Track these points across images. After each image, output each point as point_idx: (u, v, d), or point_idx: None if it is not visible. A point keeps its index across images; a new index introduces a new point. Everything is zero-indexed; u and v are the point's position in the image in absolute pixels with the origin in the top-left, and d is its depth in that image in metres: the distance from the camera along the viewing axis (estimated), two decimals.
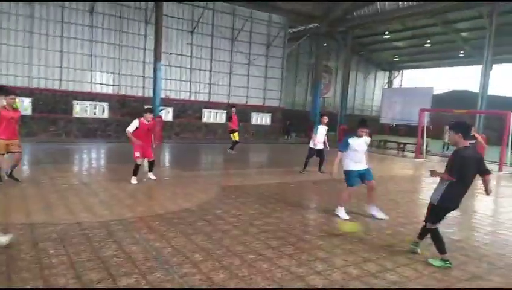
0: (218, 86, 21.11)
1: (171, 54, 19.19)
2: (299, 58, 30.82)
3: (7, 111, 6.63)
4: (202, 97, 20.60)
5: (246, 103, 21.89)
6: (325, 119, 10.06)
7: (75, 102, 17.41)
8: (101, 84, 17.97)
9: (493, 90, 19.07)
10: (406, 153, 17.87)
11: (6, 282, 3.14)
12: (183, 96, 19.98)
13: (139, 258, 3.79)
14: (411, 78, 38.47)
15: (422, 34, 28.38)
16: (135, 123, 7.53)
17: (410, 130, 25.70)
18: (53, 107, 16.77)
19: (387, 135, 29.50)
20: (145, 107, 9.00)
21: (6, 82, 15.63)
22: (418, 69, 37.63)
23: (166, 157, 13.26)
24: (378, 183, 8.41)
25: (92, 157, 11.92)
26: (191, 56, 20.00)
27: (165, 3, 17.38)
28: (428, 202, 4.32)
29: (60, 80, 16.88)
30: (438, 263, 4.08)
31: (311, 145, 10.04)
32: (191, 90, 20.22)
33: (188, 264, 3.73)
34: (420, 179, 11.23)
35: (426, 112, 16.31)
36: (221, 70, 21.05)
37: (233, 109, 13.43)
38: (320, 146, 9.96)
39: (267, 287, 3.37)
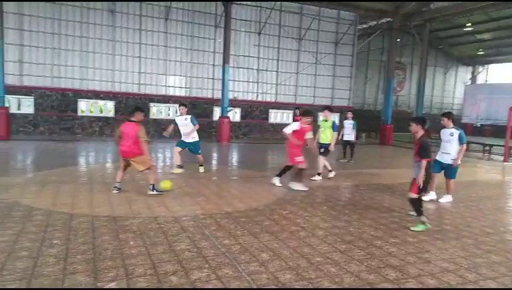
0: (285, 86, 21.14)
1: (239, 56, 19.68)
2: (370, 56, 29.61)
3: None
4: (269, 98, 20.80)
5: (313, 103, 21.61)
6: (349, 114, 12.55)
7: (151, 104, 18.70)
8: (174, 87, 19.08)
9: None
10: (492, 156, 16.20)
11: (93, 269, 3.46)
12: (250, 97, 20.37)
13: (210, 254, 3.93)
14: (498, 73, 34.77)
15: (509, 25, 25.49)
16: (294, 125, 7.45)
17: (497, 131, 23.23)
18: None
19: (470, 135, 27.00)
20: (301, 110, 10.32)
21: (93, 87, 17.37)
22: (506, 63, 33.86)
23: (234, 158, 13.60)
24: (460, 188, 7.74)
25: (166, 156, 12.68)
26: (258, 57, 20.31)
27: (234, 6, 17.87)
28: None
29: (139, 84, 18.25)
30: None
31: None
32: (258, 91, 20.54)
33: (255, 262, 3.78)
34: (509, 185, 10.10)
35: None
36: (288, 70, 21.05)
37: (297, 111, 13.49)
38: (346, 137, 12.20)
39: (272, 287, 3.28)
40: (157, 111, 19.09)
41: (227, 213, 5.52)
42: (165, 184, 6.67)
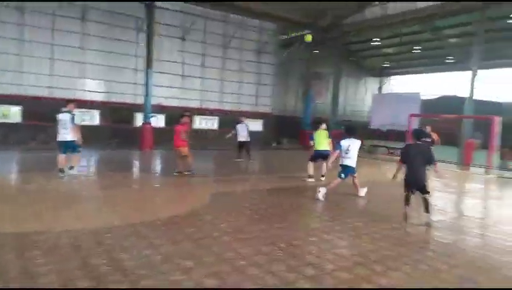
0: (210, 93, 21.14)
1: (162, 61, 19.20)
2: (291, 65, 30.98)
3: None
4: (194, 104, 20.59)
5: (238, 109, 21.94)
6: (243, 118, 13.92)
7: (64, 109, 17.25)
8: (91, 91, 17.88)
9: (481, 95, 19.38)
10: (395, 158, 18.00)
11: None
12: (175, 103, 19.96)
13: (129, 266, 3.76)
14: (402, 83, 38.89)
15: (411, 41, 28.74)
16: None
17: (401, 135, 25.92)
18: (42, 115, 16.61)
19: (378, 139, 29.67)
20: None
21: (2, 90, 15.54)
22: (407, 75, 38.08)
23: (157, 165, 13.19)
24: (371, 188, 8.48)
25: (82, 165, 11.80)
26: (182, 63, 20.03)
27: (157, 11, 17.42)
28: None
29: (50, 87, 16.75)
30: None
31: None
32: (182, 97, 20.22)
33: (178, 271, 3.71)
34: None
35: (414, 117, 16.49)
36: (213, 76, 21.10)
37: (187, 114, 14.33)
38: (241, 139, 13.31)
39: (274, 287, 3.37)
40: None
41: (148, 222, 5.33)
42: None
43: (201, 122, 21.13)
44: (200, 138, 20.12)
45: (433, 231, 5.70)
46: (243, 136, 13.27)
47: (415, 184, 6.02)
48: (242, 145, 13.36)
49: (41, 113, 16.55)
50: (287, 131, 25.14)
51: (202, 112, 20.91)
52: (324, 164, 9.50)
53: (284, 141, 23.71)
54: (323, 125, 9.79)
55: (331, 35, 23.08)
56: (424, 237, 5.49)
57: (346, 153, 7.53)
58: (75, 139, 8.49)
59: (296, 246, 4.63)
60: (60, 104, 16.87)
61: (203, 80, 20.83)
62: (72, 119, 8.41)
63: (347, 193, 8.16)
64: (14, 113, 16.32)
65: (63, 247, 4.20)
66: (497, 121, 13.47)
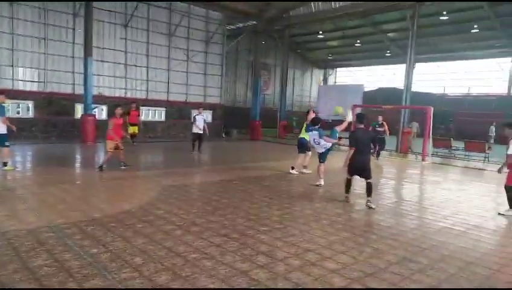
0: (157, 83, 20.46)
1: (103, 48, 18.20)
2: (239, 56, 30.94)
3: None
4: (139, 94, 19.82)
5: (186, 100, 21.52)
6: (201, 109, 14.07)
7: None
8: (24, 80, 16.49)
9: (416, 87, 20.78)
10: (342, 148, 18.81)
11: None
12: (118, 93, 19.07)
13: (74, 266, 3.56)
14: (345, 76, 40.52)
15: (353, 35, 30.00)
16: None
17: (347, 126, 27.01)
18: None
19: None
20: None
21: None
22: (350, 67, 39.74)
23: (101, 159, 12.57)
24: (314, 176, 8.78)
25: (16, 161, 10.90)
26: (125, 51, 19.13)
27: None
28: None
29: None
30: None
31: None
32: (126, 87, 19.37)
33: (128, 268, 3.60)
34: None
35: (357, 108, 17.30)
36: (159, 66, 20.43)
37: (133, 105, 15.08)
38: (197, 130, 13.25)
39: (281, 286, 3.37)
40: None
41: (94, 219, 5.08)
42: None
43: (148, 114, 20.45)
44: (148, 130, 19.50)
45: (375, 215, 6.06)
46: (199, 128, 13.15)
47: (362, 169, 6.37)
48: (198, 137, 13.26)
49: None
50: (236, 122, 25.18)
51: (148, 103, 20.22)
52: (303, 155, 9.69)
53: (233, 132, 23.74)
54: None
55: (276, 26, 23.33)
56: (367, 221, 5.82)
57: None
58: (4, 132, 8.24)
59: (248, 236, 4.68)
60: None
61: (149, 69, 20.09)
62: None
63: (298, 182, 8.40)
64: None
65: None
66: (431, 111, 14.53)
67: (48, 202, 5.95)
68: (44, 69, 16.83)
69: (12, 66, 16.04)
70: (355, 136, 6.48)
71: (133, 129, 14.42)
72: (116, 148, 9.09)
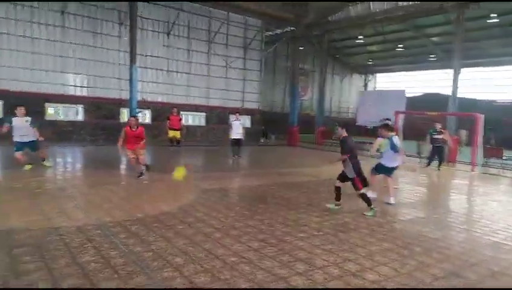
0: (196, 89, 20.98)
1: (146, 56, 18.94)
2: (276, 61, 31.06)
3: None
4: (180, 100, 20.40)
5: (225, 105, 21.87)
6: (237, 115, 13.94)
7: (47, 104, 16.89)
8: (74, 86, 17.52)
9: (463, 93, 19.81)
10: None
11: None
12: (161, 98, 19.75)
13: (119, 263, 3.71)
14: (386, 81, 39.42)
15: (394, 39, 29.18)
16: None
17: None
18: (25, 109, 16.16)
19: (364, 136, 30.09)
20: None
21: None
22: (391, 73, 38.61)
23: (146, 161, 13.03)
24: None
25: (67, 161, 11.57)
26: (167, 58, 19.80)
27: (140, 5, 17.14)
28: None
29: (31, 82, 16.31)
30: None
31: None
32: (168, 93, 20.02)
33: (169, 268, 3.69)
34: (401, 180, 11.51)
35: (400, 115, 16.75)
36: (199, 72, 20.94)
37: (174, 110, 14.86)
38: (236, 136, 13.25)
39: (266, 281, 3.38)
40: (55, 112, 17.33)
41: (138, 219, 5.28)
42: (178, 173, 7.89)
43: (188, 119, 20.98)
44: (188, 134, 20.00)
45: (420, 226, 5.82)
46: (237, 133, 13.17)
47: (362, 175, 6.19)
48: (236, 142, 13.26)
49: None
50: (274, 127, 25.22)
51: (189, 108, 20.75)
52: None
53: (271, 137, 23.78)
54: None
55: (315, 32, 23.20)
56: (411, 232, 5.60)
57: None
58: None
59: (286, 242, 4.65)
60: (44, 99, 16.61)
61: (189, 75, 20.65)
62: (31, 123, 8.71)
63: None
64: None
65: (51, 244, 4.12)
66: (481, 119, 13.75)
67: (95, 201, 6.25)
68: (93, 76, 17.80)
69: (63, 72, 17.10)
70: (352, 143, 6.20)
71: (173, 134, 14.36)
72: (135, 155, 8.49)
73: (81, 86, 17.66)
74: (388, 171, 7.33)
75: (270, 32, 26.28)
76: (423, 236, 5.33)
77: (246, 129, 13.99)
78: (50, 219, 5.06)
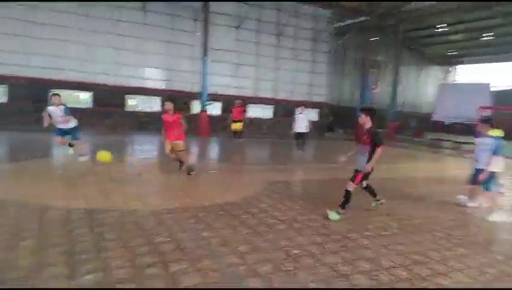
0: (264, 82, 21.22)
1: (217, 50, 19.57)
2: (347, 53, 30.07)
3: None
4: (248, 92, 20.81)
5: (292, 98, 21.82)
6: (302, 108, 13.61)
7: (127, 96, 18.35)
8: (151, 79, 18.78)
9: None
10: (463, 153, 16.88)
11: (69, 261, 3.40)
12: (230, 91, 20.32)
13: (189, 246, 3.94)
14: (468, 73, 36.09)
15: (479, 27, 26.50)
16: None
17: (467, 129, 24.17)
18: (109, 101, 17.78)
19: (440, 133, 27.99)
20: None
21: (67, 77, 16.81)
22: (475, 64, 35.18)
23: (214, 152, 13.57)
24: (431, 184, 8.01)
25: (144, 149, 12.49)
26: (237, 52, 20.27)
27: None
28: None
29: (115, 75, 17.83)
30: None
31: None
32: (237, 86, 20.53)
33: (234, 254, 3.82)
34: None
35: (485, 110, 15.27)
36: (267, 65, 21.13)
37: (237, 101, 14.64)
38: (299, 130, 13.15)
39: (329, 277, 3.38)
40: (135, 103, 18.79)
41: (205, 207, 5.53)
42: (103, 156, 7.23)
43: (255, 111, 21.34)
44: (255, 126, 20.39)
45: (503, 233, 5.30)
46: (301, 126, 13.04)
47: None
48: (300, 135, 13.14)
49: (107, 99, 17.75)
50: (342, 121, 24.58)
51: (257, 100, 21.07)
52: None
53: (338, 131, 23.23)
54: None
55: (389, 21, 21.98)
56: (492, 238, 5.12)
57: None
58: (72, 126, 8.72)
59: (350, 239, 4.54)
60: (125, 91, 18.05)
61: (258, 68, 20.93)
62: (65, 111, 8.52)
63: (410, 186, 7.84)
64: (85, 99, 17.70)
65: (128, 224, 4.51)
66: None
67: (167, 188, 6.68)
68: (168, 69, 18.90)
69: (142, 66, 18.41)
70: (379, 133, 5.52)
71: (235, 126, 14.25)
72: (175, 149, 7.84)
73: (157, 80, 18.86)
74: (490, 178, 6.03)
75: (341, 23, 25.51)
76: (506, 244, 4.85)
77: (312, 123, 13.78)
78: (126, 202, 5.52)
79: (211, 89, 18.80)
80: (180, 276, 3.29)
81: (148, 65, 18.58)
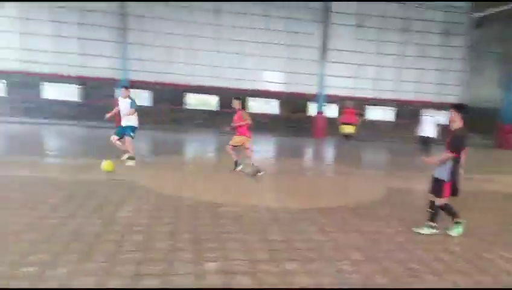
0: (386, 82, 20.05)
1: (336, 50, 19.27)
2: (486, 47, 26.20)
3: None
4: (368, 93, 19.97)
5: (417, 99, 20.11)
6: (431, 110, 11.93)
7: (248, 98, 19.51)
8: (271, 82, 19.56)
9: None
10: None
11: (196, 248, 3.81)
12: (347, 92, 19.80)
13: (301, 247, 4.01)
14: None
15: None
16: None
17: None
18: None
19: None
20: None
21: (199, 82, 18.70)
22: None
23: (330, 154, 13.45)
24: None
25: (267, 150, 13.15)
26: (356, 51, 19.62)
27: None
28: None
29: (239, 79, 19.13)
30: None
31: None
32: (356, 87, 19.89)
33: (347, 261, 3.74)
34: None
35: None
36: (388, 64, 19.92)
37: (349, 102, 13.90)
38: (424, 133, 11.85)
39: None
40: (255, 105, 19.87)
41: (320, 209, 5.53)
42: (106, 166, 7.01)
43: (375, 113, 20.35)
44: (375, 129, 19.44)
45: None
46: (427, 130, 11.89)
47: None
48: (424, 140, 11.97)
49: (231, 103, 19.16)
50: (479, 125, 21.52)
51: (376, 102, 20.07)
52: None
53: (475, 136, 20.43)
54: None
55: None
56: None
57: None
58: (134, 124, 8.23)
59: (484, 259, 3.99)
60: (248, 94, 19.24)
61: (379, 68, 19.89)
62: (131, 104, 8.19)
63: None
64: (212, 102, 19.48)
65: (247, 219, 4.82)
66: None
67: (284, 187, 6.89)
68: (287, 72, 19.43)
69: (263, 70, 19.33)
70: (465, 138, 4.59)
71: (347, 128, 13.72)
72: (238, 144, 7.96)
73: (277, 82, 19.57)
74: None
75: (479, 14, 22.37)
76: None
77: (441, 126, 12.38)
78: (246, 198, 5.89)
79: (329, 91, 18.63)
80: (291, 275, 3.38)
81: (268, 69, 19.43)
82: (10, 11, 17.12)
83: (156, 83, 18.53)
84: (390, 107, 20.32)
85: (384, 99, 20.08)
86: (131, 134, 8.06)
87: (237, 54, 18.99)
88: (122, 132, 8.08)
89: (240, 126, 7.88)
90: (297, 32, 19.16)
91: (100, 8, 17.53)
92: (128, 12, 17.36)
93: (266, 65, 19.34)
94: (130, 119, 8.10)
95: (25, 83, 17.42)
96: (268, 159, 10.92)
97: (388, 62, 19.93)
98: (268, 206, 5.51)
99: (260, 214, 5.11)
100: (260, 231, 4.42)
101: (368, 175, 8.98)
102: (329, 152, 13.83)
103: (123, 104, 8.15)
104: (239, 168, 7.95)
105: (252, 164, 7.83)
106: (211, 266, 3.45)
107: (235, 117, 7.97)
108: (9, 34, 17.32)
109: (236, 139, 7.90)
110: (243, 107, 8.12)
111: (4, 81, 17.63)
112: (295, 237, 4.31)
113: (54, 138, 13.09)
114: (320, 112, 17.43)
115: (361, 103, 19.85)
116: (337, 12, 18.73)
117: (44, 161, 8.33)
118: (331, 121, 19.06)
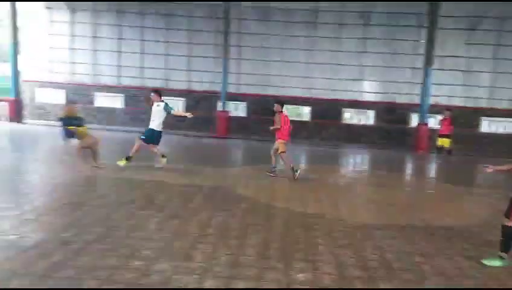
0: (504, 90, 17.69)
1: (443, 56, 17.66)
2: None
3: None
4: (481, 103, 17.87)
5: None
6: None
7: (343, 109, 19.01)
8: (367, 92, 18.80)
9: None
10: None
11: (285, 257, 3.85)
12: (456, 102, 17.93)
13: (396, 267, 3.77)
14: None
15: None
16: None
17: None
18: (325, 115, 18.93)
19: None
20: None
21: (292, 93, 18.90)
22: None
23: (432, 170, 12.39)
24: None
25: (357, 162, 12.69)
26: (467, 57, 17.73)
27: (441, 3, 16.17)
28: None
29: (332, 90, 18.79)
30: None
31: None
32: (466, 95, 17.94)
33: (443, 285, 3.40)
34: None
35: None
36: (507, 69, 17.54)
37: (446, 112, 12.54)
38: None
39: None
40: (350, 116, 19.31)
41: (419, 227, 5.13)
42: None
43: (489, 125, 18.08)
44: (489, 143, 17.31)
45: None
46: None
47: None
48: None
49: (325, 113, 18.98)
50: None
51: (493, 113, 17.83)
52: None
53: None
54: None
55: None
56: None
57: None
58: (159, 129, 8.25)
59: None
60: (341, 104, 18.83)
61: (494, 74, 17.67)
62: (164, 108, 8.21)
63: None
64: (304, 113, 19.53)
65: (337, 232, 4.70)
66: None
67: (377, 202, 6.56)
68: (386, 81, 18.46)
69: (359, 79, 18.68)
70: None
71: (442, 141, 12.58)
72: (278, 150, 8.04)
73: (374, 92, 18.73)
74: None
75: None
76: None
77: None
78: (336, 210, 5.76)
79: (434, 100, 17.12)
80: None
81: (365, 78, 18.74)
82: (132, 35, 19.73)
83: (250, 95, 19.29)
84: (509, 118, 17.82)
85: (502, 110, 17.70)
86: (143, 137, 8.07)
87: (331, 64, 18.69)
88: (155, 138, 8.22)
89: (276, 131, 8.00)
90: (398, 40, 18.10)
91: (205, 29, 19.11)
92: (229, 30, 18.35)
93: (363, 74, 18.67)
94: (157, 125, 8.14)
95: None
96: (362, 173, 10.51)
97: (506, 68, 17.53)
98: (358, 221, 5.30)
99: (350, 227, 4.94)
100: (352, 246, 4.27)
101: (475, 194, 8.01)
102: (431, 168, 12.69)
103: (155, 109, 8.20)
104: (297, 173, 7.83)
105: (292, 167, 7.87)
106: (299, 276, 3.44)
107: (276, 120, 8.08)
108: (130, 54, 19.92)
109: (276, 146, 8.08)
110: (281, 111, 8.14)
111: (122, 94, 20.28)
112: (389, 256, 4.05)
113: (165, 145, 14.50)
114: (423, 123, 16.09)
115: (473, 114, 17.88)
116: (445, 16, 17.14)
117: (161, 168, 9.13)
118: (434, 133, 17.42)
